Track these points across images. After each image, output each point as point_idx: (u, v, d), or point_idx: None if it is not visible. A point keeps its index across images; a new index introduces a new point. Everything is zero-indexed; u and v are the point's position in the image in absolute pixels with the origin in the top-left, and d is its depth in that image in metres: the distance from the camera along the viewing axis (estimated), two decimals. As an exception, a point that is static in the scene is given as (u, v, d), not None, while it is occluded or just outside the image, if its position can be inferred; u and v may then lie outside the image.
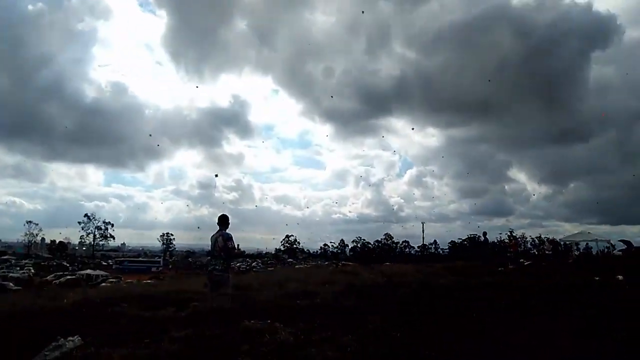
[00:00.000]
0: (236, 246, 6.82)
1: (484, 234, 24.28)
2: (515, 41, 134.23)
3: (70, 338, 5.43)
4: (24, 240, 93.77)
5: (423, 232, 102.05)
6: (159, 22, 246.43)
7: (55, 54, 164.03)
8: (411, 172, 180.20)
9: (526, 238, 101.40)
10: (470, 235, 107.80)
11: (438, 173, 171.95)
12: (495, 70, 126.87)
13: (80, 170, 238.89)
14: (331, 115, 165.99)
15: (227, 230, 6.89)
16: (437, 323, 5.13)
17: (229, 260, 6.79)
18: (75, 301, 7.28)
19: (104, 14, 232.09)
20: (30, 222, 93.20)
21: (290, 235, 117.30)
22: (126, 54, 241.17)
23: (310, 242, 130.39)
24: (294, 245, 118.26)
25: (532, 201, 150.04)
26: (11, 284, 41.24)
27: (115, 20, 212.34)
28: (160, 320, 6.72)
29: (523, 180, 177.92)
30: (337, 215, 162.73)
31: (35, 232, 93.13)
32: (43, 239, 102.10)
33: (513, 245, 37.88)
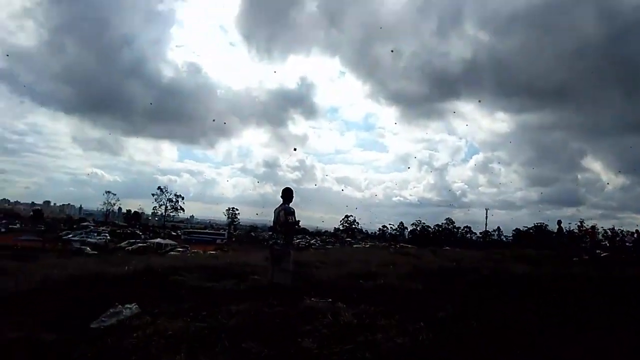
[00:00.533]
0: (297, 221, 6.44)
1: (559, 222, 22.28)
2: (598, 24, 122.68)
3: (128, 305, 5.31)
4: (103, 208, 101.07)
5: (487, 218, 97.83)
6: (234, 2, 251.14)
7: (137, 34, 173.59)
8: (477, 158, 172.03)
9: (598, 229, 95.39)
10: (537, 223, 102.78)
11: (506, 159, 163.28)
12: (574, 54, 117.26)
13: (156, 146, 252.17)
14: (397, 98, 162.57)
15: (290, 205, 6.55)
16: (484, 334, 4.47)
17: (290, 235, 6.42)
18: (137, 270, 7.26)
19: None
20: (109, 192, 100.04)
21: (350, 216, 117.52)
22: (202, 35, 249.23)
23: (369, 223, 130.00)
24: (353, 225, 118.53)
25: (607, 192, 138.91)
26: (88, 248, 44.75)
27: (192, 1, 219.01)
28: (220, 292, 6.52)
29: (598, 169, 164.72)
30: (398, 198, 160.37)
31: (112, 201, 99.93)
32: (120, 208, 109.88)
33: (591, 234, 34.71)
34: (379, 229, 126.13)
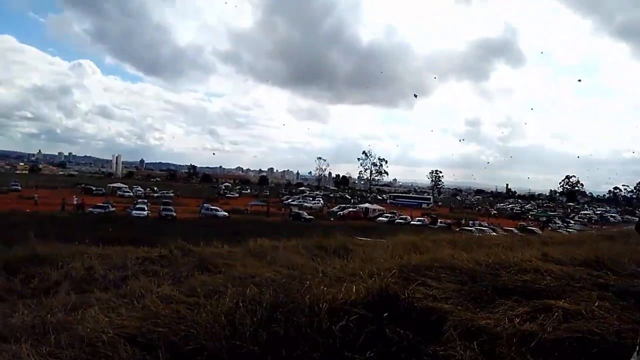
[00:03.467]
0: None
1: None
2: None
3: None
4: (315, 174, 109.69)
5: None
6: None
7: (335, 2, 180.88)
8: None
9: None
10: None
11: None
12: None
13: (358, 111, 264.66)
14: (627, 32, 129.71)
15: None
16: None
17: None
18: (366, 290, 4.06)
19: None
20: (320, 158, 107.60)
21: (572, 176, 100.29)
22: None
23: (593, 185, 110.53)
24: (576, 187, 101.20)
25: None
26: (305, 213, 47.65)
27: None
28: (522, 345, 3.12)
29: None
30: (630, 153, 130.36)
31: (323, 167, 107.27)
32: (330, 173, 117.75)
33: None
34: (609, 191, 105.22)
